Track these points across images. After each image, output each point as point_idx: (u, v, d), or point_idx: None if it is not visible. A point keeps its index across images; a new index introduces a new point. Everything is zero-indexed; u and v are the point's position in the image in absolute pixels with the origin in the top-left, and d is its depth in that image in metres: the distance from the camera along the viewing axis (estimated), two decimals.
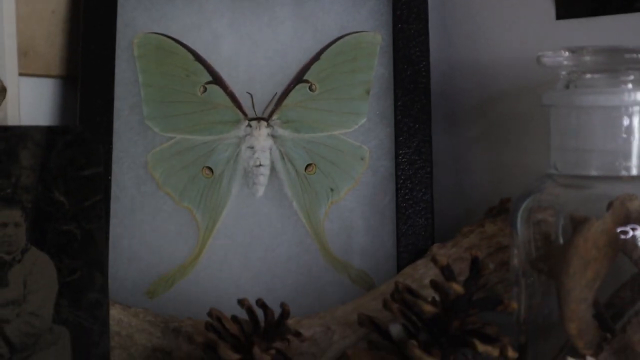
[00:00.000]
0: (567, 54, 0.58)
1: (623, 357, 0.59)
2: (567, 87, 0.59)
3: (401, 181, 0.76)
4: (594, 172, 0.58)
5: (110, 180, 0.75)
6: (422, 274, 0.68)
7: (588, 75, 0.58)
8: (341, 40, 0.78)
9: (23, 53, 0.77)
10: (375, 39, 0.78)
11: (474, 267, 0.60)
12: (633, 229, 0.56)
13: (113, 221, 0.75)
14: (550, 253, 0.58)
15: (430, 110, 0.77)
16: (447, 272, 0.59)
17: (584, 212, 0.57)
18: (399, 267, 0.74)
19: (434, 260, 0.60)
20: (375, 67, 0.78)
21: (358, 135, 0.77)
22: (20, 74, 0.76)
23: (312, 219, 0.76)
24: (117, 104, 0.77)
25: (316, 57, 0.78)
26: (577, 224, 0.56)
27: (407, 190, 0.75)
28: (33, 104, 0.80)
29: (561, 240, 0.58)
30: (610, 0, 0.68)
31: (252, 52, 0.79)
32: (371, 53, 0.78)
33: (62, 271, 0.60)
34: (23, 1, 0.77)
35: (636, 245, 0.56)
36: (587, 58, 0.57)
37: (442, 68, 0.81)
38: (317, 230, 0.76)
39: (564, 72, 0.60)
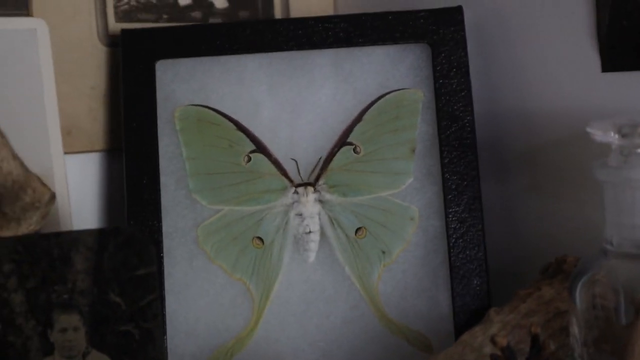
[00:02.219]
0: (616, 136, 0.56)
1: None
2: (620, 160, 0.58)
3: (453, 240, 0.75)
4: None
5: (162, 257, 0.75)
6: (480, 343, 0.67)
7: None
8: (382, 99, 0.78)
9: (67, 132, 0.78)
10: (417, 95, 0.78)
11: (534, 345, 0.60)
12: None
13: (168, 297, 0.75)
14: (612, 334, 0.57)
15: (477, 165, 0.76)
16: (509, 354, 0.59)
17: None
18: (456, 328, 0.75)
19: (493, 341, 0.60)
20: (419, 125, 0.78)
21: (406, 195, 0.77)
22: (66, 153, 0.77)
23: (365, 282, 0.76)
24: (163, 179, 0.77)
25: (358, 119, 0.78)
26: (638, 307, 0.56)
27: (459, 249, 0.75)
28: (80, 180, 0.80)
29: (623, 321, 0.57)
30: None
31: (293, 117, 0.79)
32: (414, 110, 0.78)
33: None
34: (62, 80, 0.78)
35: None
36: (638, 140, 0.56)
37: (487, 120, 0.80)
38: (371, 294, 0.76)
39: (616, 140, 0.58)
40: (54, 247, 0.61)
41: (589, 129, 0.59)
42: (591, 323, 0.59)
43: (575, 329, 0.61)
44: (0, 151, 0.54)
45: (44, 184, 0.60)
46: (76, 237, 0.61)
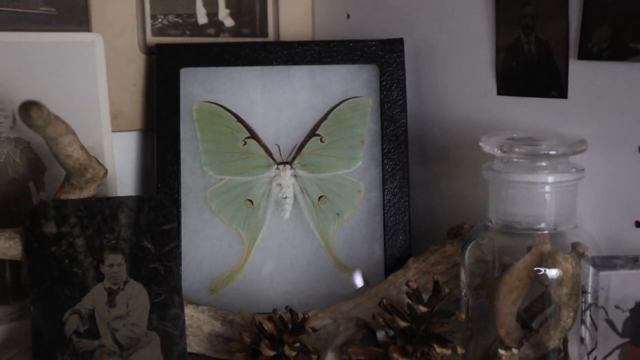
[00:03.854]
0: (498, 151, 0.62)
1: (537, 350, 0.64)
2: (500, 166, 0.63)
3: (387, 208, 0.79)
4: (518, 227, 0.62)
5: (180, 212, 0.78)
6: (401, 283, 0.73)
7: (515, 159, 0.62)
8: (343, 103, 0.81)
9: (114, 116, 0.81)
10: (367, 102, 0.81)
11: (435, 288, 0.66)
12: (544, 269, 0.61)
13: (183, 240, 0.78)
14: (487, 283, 0.64)
15: (407, 155, 0.80)
16: (417, 295, 0.65)
17: (510, 254, 0.62)
18: (386, 270, 0.79)
19: (408, 284, 0.66)
20: (368, 124, 0.80)
21: (355, 174, 0.80)
22: (113, 131, 0.81)
23: (324, 235, 0.80)
24: (183, 154, 0.80)
25: (325, 117, 0.81)
26: (505, 266, 0.62)
27: (391, 214, 0.79)
28: (122, 152, 0.83)
29: (495, 274, 0.63)
30: (535, 85, 0.70)
31: (278, 114, 0.81)
32: (364, 113, 0.81)
33: (151, 295, 0.67)
34: (112, 78, 0.80)
35: (546, 277, 0.61)
36: (515, 150, 0.61)
37: (416, 122, 0.83)
38: (328, 243, 0.80)
39: (498, 153, 0.63)
40: (106, 207, 0.66)
41: (480, 143, 0.64)
42: (474, 274, 0.65)
43: (463, 277, 0.66)
44: (72, 144, 0.58)
45: (100, 164, 0.64)
46: (121, 201, 0.67)
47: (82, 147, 0.60)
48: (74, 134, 0.58)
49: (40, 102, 0.52)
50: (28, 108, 0.50)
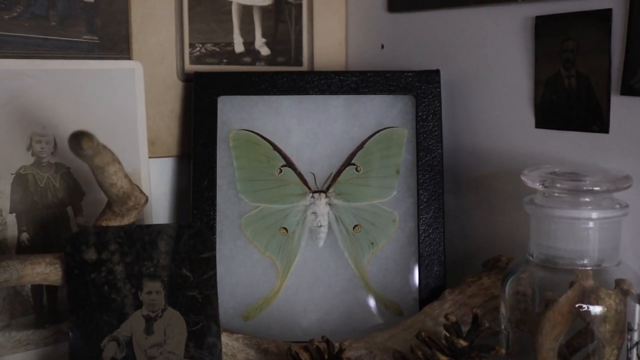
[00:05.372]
0: (540, 186, 0.61)
1: None
2: (542, 200, 0.61)
3: (422, 238, 0.78)
4: (560, 262, 0.61)
5: (215, 237, 0.78)
6: (437, 314, 0.72)
7: (556, 194, 0.61)
8: (378, 133, 0.80)
9: (151, 142, 0.81)
10: (403, 132, 0.80)
11: (474, 321, 0.65)
12: (587, 305, 0.59)
13: (218, 267, 0.76)
14: (529, 318, 0.62)
15: (443, 185, 0.79)
16: (456, 328, 0.64)
17: (551, 289, 0.61)
18: (420, 301, 0.77)
19: (446, 317, 0.65)
20: (403, 154, 0.80)
21: (391, 203, 0.79)
22: (150, 157, 0.80)
23: (358, 264, 0.79)
24: (219, 182, 0.79)
25: (360, 146, 0.80)
26: (547, 302, 0.60)
27: (426, 245, 0.78)
28: (159, 177, 0.83)
29: (536, 310, 0.62)
30: (575, 119, 0.70)
31: (314, 142, 0.80)
32: (400, 143, 0.80)
33: (189, 323, 0.66)
34: (150, 104, 0.80)
35: (589, 313, 0.60)
36: (557, 186, 0.60)
37: (452, 153, 0.82)
38: (362, 272, 0.79)
39: (540, 187, 0.62)
40: (146, 234, 0.65)
41: (522, 177, 0.63)
42: (514, 308, 0.63)
43: (503, 310, 0.65)
44: (118, 173, 0.57)
45: (141, 192, 0.64)
46: (161, 228, 0.66)
47: (126, 176, 0.60)
48: (119, 163, 0.58)
49: (91, 133, 0.51)
50: (79, 138, 0.50)
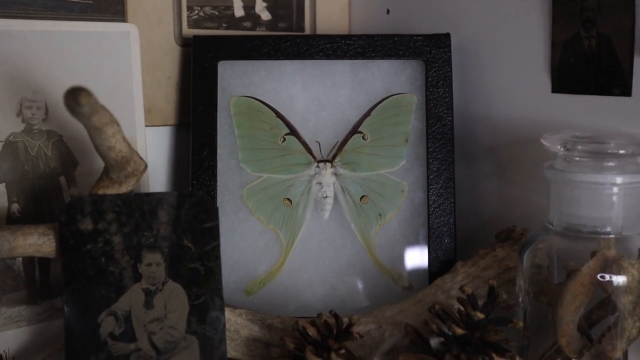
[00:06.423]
0: (562, 149, 0.58)
1: None
2: (563, 165, 0.58)
3: (432, 209, 0.76)
4: (582, 230, 0.58)
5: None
6: (449, 287, 0.69)
7: (578, 158, 0.58)
8: (386, 100, 0.77)
9: (148, 110, 0.78)
10: (412, 99, 0.77)
11: (490, 293, 0.62)
12: (609, 275, 0.57)
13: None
14: (548, 289, 0.60)
15: (453, 154, 0.76)
16: (472, 300, 0.61)
17: (572, 259, 0.58)
18: (430, 274, 0.75)
19: (462, 289, 0.62)
20: (412, 121, 0.77)
21: (399, 173, 0.77)
22: (146, 126, 0.77)
23: (365, 236, 0.77)
24: (219, 151, 0.76)
25: (367, 114, 0.77)
26: (570, 272, 0.58)
27: (436, 216, 0.76)
28: (156, 146, 0.80)
29: (556, 280, 0.59)
30: (595, 82, 0.67)
31: (319, 110, 0.78)
32: (409, 110, 0.77)
33: (191, 297, 0.63)
34: (146, 71, 0.77)
35: (611, 284, 0.57)
36: (579, 148, 0.57)
37: (463, 120, 0.79)
38: (369, 245, 0.77)
39: (562, 151, 0.59)
40: (145, 203, 0.62)
41: (542, 140, 0.60)
42: (533, 280, 0.61)
43: (520, 282, 0.63)
44: (116, 135, 0.54)
45: (140, 158, 0.60)
46: (161, 197, 0.63)
47: (125, 139, 0.56)
48: (118, 125, 0.54)
49: (89, 89, 0.48)
50: (77, 94, 0.46)
